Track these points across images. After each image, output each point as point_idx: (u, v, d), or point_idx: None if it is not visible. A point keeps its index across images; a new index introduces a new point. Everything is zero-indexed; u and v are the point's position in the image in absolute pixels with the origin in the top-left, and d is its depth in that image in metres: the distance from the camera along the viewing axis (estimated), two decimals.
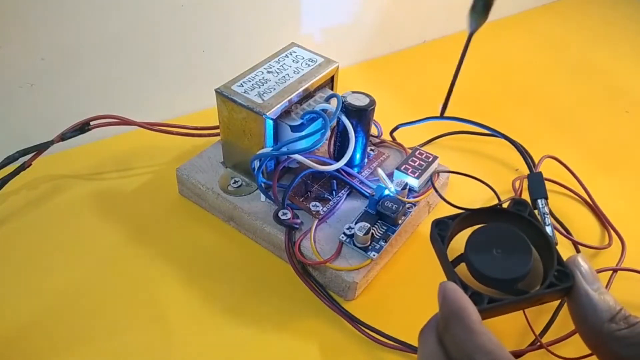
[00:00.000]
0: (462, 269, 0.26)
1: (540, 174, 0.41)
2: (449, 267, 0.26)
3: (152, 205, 0.41)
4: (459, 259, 0.27)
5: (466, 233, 0.27)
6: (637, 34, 0.68)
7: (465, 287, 0.25)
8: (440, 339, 0.23)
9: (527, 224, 0.27)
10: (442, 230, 0.27)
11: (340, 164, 0.38)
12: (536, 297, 0.25)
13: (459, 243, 0.28)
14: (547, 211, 0.39)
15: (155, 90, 0.49)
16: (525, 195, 0.41)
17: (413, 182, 0.39)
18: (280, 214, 0.36)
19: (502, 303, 0.25)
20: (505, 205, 0.29)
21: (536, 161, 0.45)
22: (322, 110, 0.36)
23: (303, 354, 0.33)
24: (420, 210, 0.40)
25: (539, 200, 0.39)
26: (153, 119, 0.44)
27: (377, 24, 0.59)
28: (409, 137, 0.44)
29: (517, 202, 0.28)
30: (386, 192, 0.38)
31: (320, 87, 0.39)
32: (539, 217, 0.37)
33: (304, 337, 0.34)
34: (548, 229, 0.36)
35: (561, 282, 0.25)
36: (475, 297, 0.24)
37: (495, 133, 0.43)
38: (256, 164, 0.37)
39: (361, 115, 0.37)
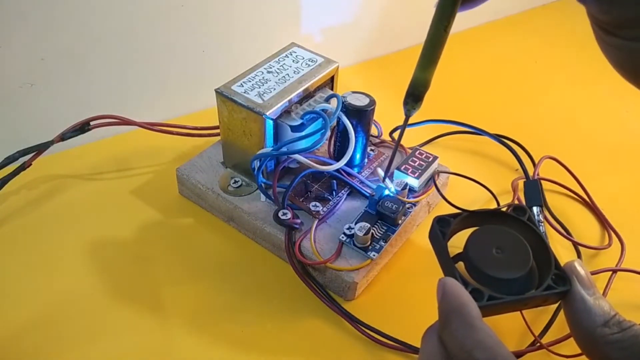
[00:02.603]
0: (459, 268, 0.26)
1: (536, 181, 0.41)
2: (449, 263, 0.26)
3: (152, 205, 0.41)
4: (456, 258, 0.27)
5: (463, 234, 0.28)
6: None
7: (465, 283, 0.25)
8: (440, 336, 0.24)
9: (525, 228, 0.28)
10: (443, 227, 0.28)
11: (340, 164, 0.38)
12: (534, 298, 0.25)
13: (455, 244, 0.28)
14: (542, 218, 0.39)
15: (155, 90, 0.49)
16: (523, 197, 0.41)
17: (413, 182, 0.39)
18: (280, 214, 0.36)
19: (501, 301, 0.25)
20: (504, 210, 0.29)
21: (536, 161, 0.45)
22: (322, 110, 0.36)
23: (303, 354, 0.33)
24: (420, 210, 0.40)
25: (534, 208, 0.39)
26: (153, 119, 0.44)
27: (377, 24, 0.59)
28: (409, 137, 0.44)
29: (516, 207, 0.28)
30: (386, 192, 0.38)
31: (320, 87, 0.39)
32: None
33: (304, 337, 0.34)
34: None
35: (558, 285, 0.25)
36: (476, 293, 0.24)
37: (494, 138, 0.43)
38: (256, 164, 0.37)
39: (361, 115, 0.37)
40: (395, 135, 0.45)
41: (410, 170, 0.39)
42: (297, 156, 0.36)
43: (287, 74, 0.38)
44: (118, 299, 0.35)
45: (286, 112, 0.37)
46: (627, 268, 0.38)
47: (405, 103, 0.28)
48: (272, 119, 0.35)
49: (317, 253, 0.35)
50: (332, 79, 0.40)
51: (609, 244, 0.40)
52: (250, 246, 0.39)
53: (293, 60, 0.40)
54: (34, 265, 0.37)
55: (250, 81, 0.37)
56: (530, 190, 0.41)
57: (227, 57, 0.51)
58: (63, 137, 0.41)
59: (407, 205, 0.38)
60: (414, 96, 0.28)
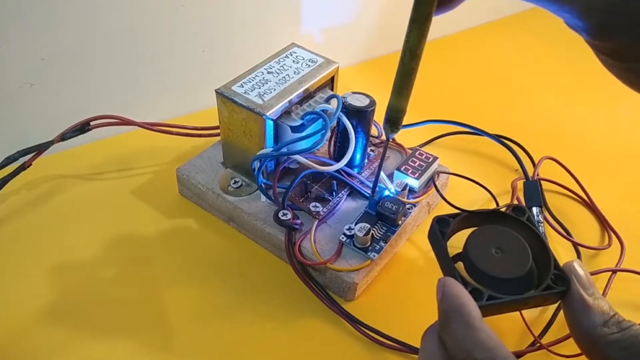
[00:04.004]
0: (458, 268, 0.26)
1: (536, 182, 0.41)
2: (448, 262, 0.26)
3: (152, 205, 0.41)
4: (456, 258, 0.27)
5: (463, 234, 0.28)
6: None
7: (465, 283, 0.25)
8: (439, 336, 0.24)
9: (524, 228, 0.28)
10: (442, 227, 0.28)
11: (341, 164, 0.38)
12: (534, 298, 0.25)
13: (455, 244, 0.28)
14: (542, 219, 0.39)
15: (155, 90, 0.49)
16: (523, 197, 0.41)
17: (413, 182, 0.39)
18: (280, 214, 0.36)
19: (501, 301, 0.25)
20: (504, 210, 0.29)
21: (536, 161, 0.45)
22: (323, 110, 0.36)
23: (303, 354, 0.33)
24: (420, 210, 0.40)
25: (533, 208, 0.39)
26: (153, 119, 0.44)
27: (377, 24, 0.59)
28: (409, 138, 0.44)
29: (515, 207, 0.28)
30: (386, 192, 0.38)
31: (320, 88, 0.39)
32: None
33: (304, 337, 0.34)
34: None
35: (557, 285, 0.25)
36: (475, 293, 0.24)
37: (494, 138, 0.43)
38: (256, 164, 0.37)
39: (361, 116, 0.38)
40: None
41: (410, 171, 0.39)
42: (297, 157, 0.36)
43: (288, 75, 0.38)
44: (118, 299, 0.35)
45: (286, 112, 0.37)
46: (627, 268, 0.38)
47: (385, 128, 0.30)
48: (272, 120, 0.35)
49: (317, 253, 0.35)
50: (332, 80, 0.40)
51: (609, 245, 0.40)
52: (250, 246, 0.39)
53: (293, 61, 0.40)
54: (34, 265, 0.36)
55: (250, 81, 0.37)
56: (530, 190, 0.41)
57: (227, 57, 0.51)
58: (63, 137, 0.41)
59: (407, 206, 0.38)
60: (393, 122, 0.30)
